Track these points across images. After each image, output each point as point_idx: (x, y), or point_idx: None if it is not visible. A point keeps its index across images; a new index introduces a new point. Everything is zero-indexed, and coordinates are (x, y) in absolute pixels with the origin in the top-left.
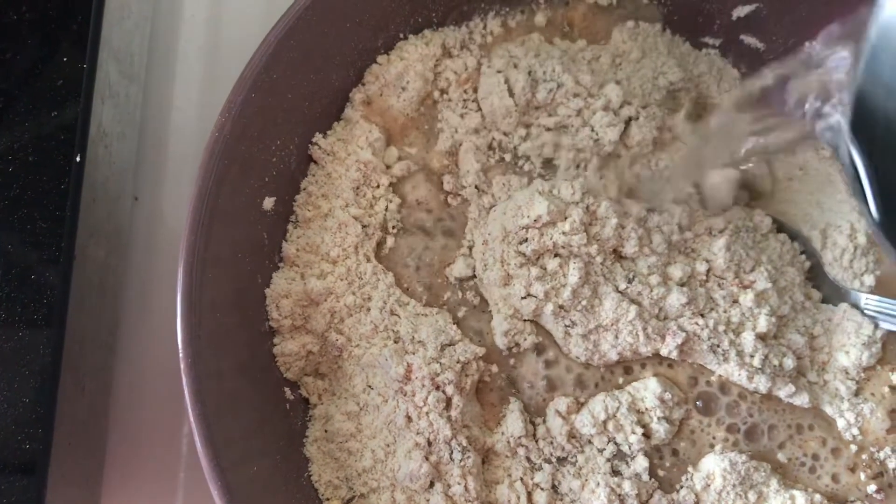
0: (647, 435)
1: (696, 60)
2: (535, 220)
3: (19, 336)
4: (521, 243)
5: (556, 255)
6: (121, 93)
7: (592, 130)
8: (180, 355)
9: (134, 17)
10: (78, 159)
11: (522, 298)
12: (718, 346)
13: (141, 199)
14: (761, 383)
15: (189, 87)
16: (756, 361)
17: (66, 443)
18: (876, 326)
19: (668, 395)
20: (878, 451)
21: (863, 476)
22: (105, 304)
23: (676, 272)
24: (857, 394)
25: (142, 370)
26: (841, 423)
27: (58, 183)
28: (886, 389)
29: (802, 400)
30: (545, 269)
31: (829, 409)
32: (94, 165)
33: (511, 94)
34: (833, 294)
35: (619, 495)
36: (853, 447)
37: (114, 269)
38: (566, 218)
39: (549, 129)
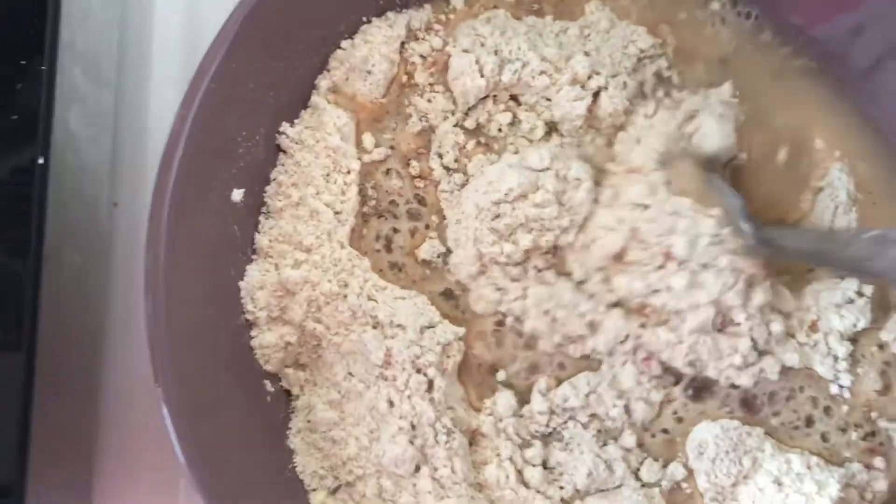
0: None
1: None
2: (506, 194)
3: None
4: (493, 219)
5: (529, 231)
6: (89, 97)
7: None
8: (151, 357)
9: (99, 20)
10: (41, 161)
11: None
12: None
13: (121, 203)
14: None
15: (164, 89)
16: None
17: (48, 456)
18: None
19: (644, 378)
20: (869, 412)
21: (854, 435)
22: (86, 309)
23: None
24: (850, 354)
25: (129, 373)
26: (833, 387)
27: (22, 187)
28: (875, 349)
29: (793, 360)
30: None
31: (821, 370)
32: (61, 170)
33: (482, 74)
34: None
35: (606, 461)
36: (845, 407)
37: (94, 274)
38: (538, 189)
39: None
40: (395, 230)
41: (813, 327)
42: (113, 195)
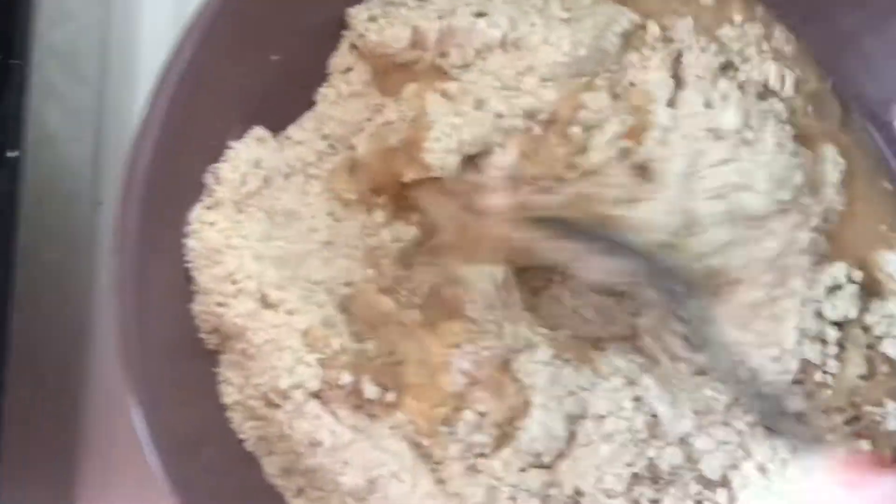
0: None
1: None
2: None
3: None
4: None
5: None
6: (67, 94)
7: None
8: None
9: (80, 20)
10: (16, 154)
11: None
12: None
13: (106, 203)
14: None
15: None
16: None
17: (25, 455)
18: None
19: None
20: (852, 397)
21: (838, 419)
22: (67, 307)
23: None
24: (838, 341)
25: (112, 372)
26: (817, 374)
27: None
28: (859, 331)
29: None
30: None
31: (810, 355)
32: (38, 167)
33: None
34: None
35: None
36: (828, 392)
37: (76, 272)
38: None
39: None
40: None
41: None
42: (97, 194)
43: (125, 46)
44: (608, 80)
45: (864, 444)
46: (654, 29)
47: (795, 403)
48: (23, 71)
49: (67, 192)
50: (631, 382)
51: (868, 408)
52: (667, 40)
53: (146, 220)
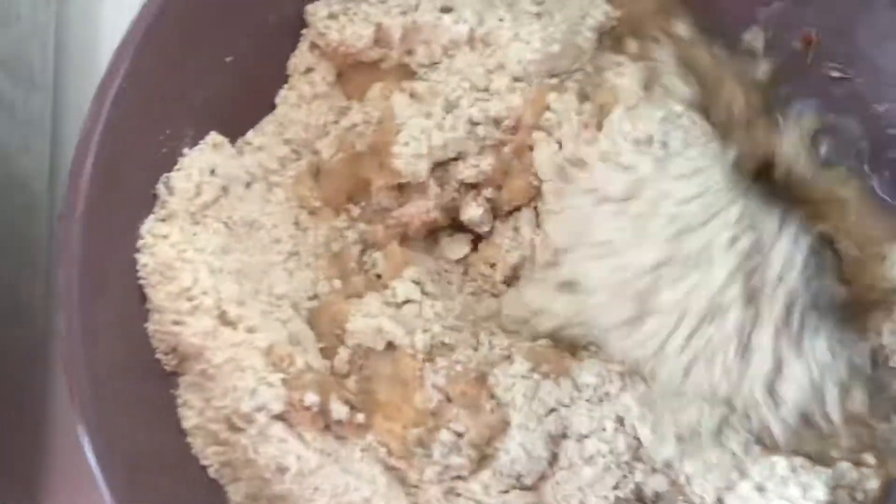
0: None
1: None
2: None
3: None
4: None
5: None
6: (17, 103)
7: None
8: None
9: (25, 24)
10: None
11: None
12: None
13: None
14: None
15: None
16: None
17: None
18: None
19: None
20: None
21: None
22: (25, 321)
23: None
24: None
25: None
26: None
27: None
28: None
29: None
30: None
31: None
32: None
33: None
34: None
35: None
36: None
37: (33, 286)
38: None
39: None
40: None
41: None
42: (55, 207)
43: (83, 50)
44: (579, 83)
45: (869, 458)
46: (632, 45)
47: None
48: None
49: (21, 205)
50: (611, 397)
51: (874, 422)
52: (644, 57)
53: (91, 235)
